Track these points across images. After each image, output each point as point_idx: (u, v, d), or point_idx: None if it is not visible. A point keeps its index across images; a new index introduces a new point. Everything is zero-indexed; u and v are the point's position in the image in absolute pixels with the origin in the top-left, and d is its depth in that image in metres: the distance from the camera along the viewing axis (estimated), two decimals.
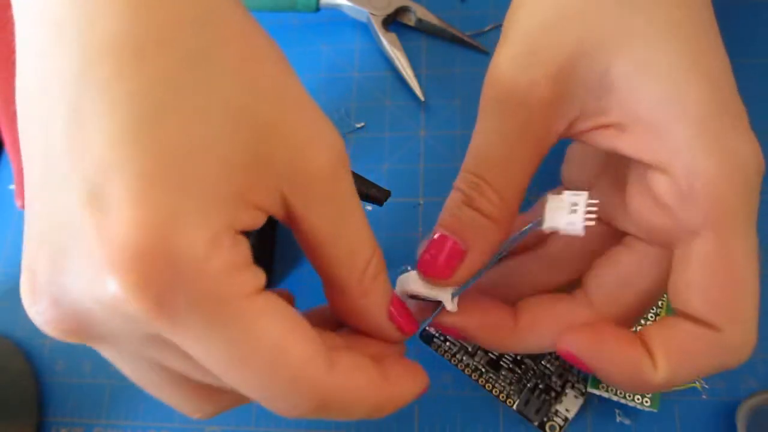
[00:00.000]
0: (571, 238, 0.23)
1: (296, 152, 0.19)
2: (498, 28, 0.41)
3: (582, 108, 0.23)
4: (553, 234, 0.25)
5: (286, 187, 0.19)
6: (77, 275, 0.17)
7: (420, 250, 0.26)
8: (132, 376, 0.21)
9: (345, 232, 0.21)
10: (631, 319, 0.26)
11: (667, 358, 0.22)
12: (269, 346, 0.18)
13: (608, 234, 0.27)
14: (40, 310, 0.18)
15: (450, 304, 0.25)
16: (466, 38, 0.40)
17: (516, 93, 0.23)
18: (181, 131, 0.17)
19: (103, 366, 0.36)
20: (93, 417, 0.35)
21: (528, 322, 0.26)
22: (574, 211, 0.22)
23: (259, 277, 0.19)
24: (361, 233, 0.22)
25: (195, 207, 0.17)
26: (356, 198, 0.22)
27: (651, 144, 0.22)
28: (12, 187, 0.41)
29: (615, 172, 0.26)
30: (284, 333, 0.19)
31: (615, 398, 0.30)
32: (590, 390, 0.30)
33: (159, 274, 0.16)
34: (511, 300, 0.27)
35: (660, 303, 0.31)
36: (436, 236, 0.24)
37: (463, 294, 0.26)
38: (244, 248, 0.18)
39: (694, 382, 0.31)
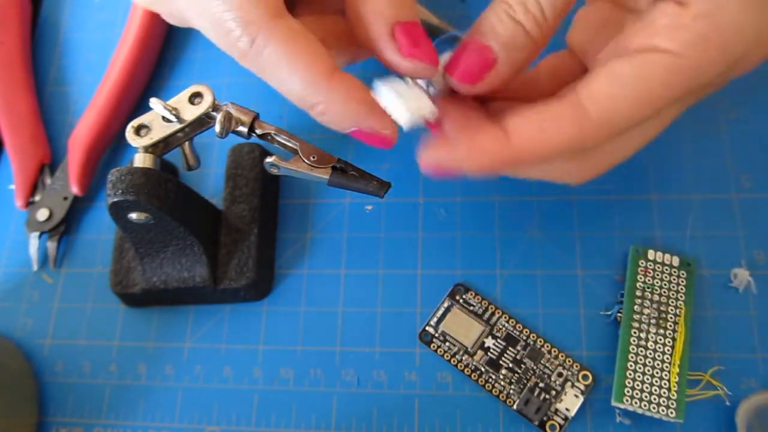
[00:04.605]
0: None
1: None
2: None
3: None
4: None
5: None
6: None
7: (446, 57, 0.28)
8: None
9: None
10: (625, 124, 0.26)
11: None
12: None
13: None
14: None
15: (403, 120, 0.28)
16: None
17: None
18: None
19: (102, 366, 0.36)
20: (93, 417, 0.35)
21: (525, 140, 0.25)
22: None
23: None
24: None
25: None
26: None
27: None
28: (12, 187, 0.41)
29: (614, 29, 0.27)
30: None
31: (640, 411, 0.30)
32: (614, 404, 0.30)
33: None
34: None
35: (677, 312, 0.32)
36: (471, 43, 0.25)
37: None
38: None
39: (716, 389, 0.31)
